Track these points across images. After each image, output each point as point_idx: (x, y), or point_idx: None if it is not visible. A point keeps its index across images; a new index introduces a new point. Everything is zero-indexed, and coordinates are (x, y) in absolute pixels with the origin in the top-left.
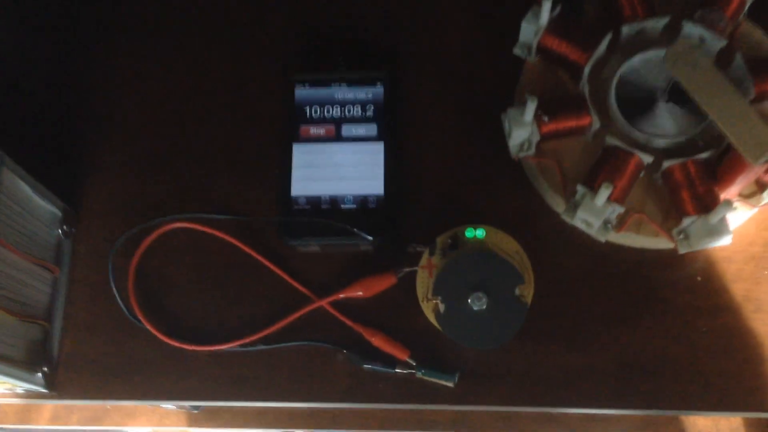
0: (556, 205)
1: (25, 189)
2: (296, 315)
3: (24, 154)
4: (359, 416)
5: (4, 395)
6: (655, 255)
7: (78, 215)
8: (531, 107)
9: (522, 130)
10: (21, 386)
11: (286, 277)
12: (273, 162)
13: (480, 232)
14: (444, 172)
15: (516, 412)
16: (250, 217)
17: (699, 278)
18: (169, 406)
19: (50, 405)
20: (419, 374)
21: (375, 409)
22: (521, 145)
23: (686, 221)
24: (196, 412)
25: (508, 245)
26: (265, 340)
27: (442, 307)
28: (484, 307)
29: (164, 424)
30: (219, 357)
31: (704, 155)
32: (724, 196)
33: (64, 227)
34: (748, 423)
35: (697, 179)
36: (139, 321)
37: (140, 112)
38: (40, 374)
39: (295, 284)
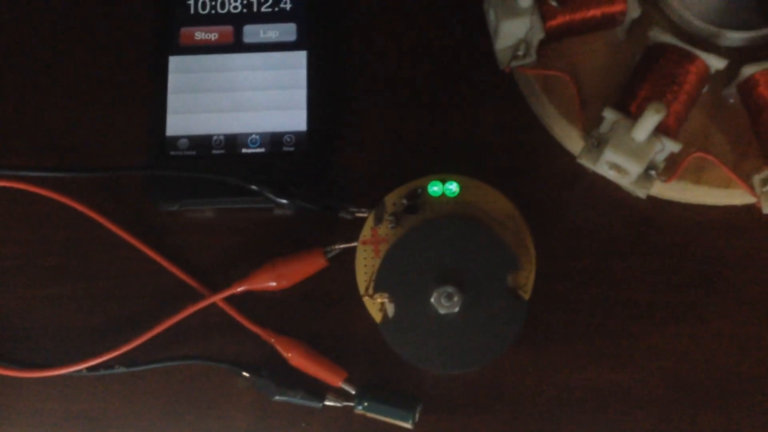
0: (569, 142)
1: None
2: (175, 319)
3: None
4: None
5: None
6: (726, 216)
7: None
8: None
9: (515, 24)
10: None
11: (160, 260)
12: (140, 86)
13: (452, 187)
14: (399, 95)
15: None
16: (106, 171)
17: None
18: None
19: None
20: (359, 409)
21: None
22: (515, 49)
23: None
24: None
25: (496, 206)
26: (127, 360)
27: (390, 309)
28: (457, 309)
29: None
30: (61, 384)
31: None
32: None
33: None
34: None
35: None
36: None
37: None
38: None
39: (175, 271)
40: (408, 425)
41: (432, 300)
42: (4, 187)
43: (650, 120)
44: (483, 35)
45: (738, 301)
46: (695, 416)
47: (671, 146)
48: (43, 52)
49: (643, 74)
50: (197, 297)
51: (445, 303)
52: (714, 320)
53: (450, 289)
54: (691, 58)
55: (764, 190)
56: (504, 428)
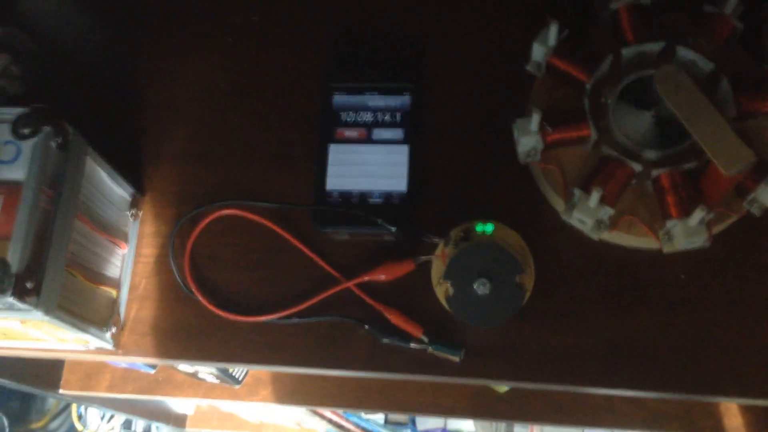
0: (557, 205)
1: (102, 175)
2: (326, 293)
3: (99, 146)
4: (383, 398)
5: (78, 351)
6: (644, 253)
7: (143, 200)
8: (536, 118)
9: (528, 139)
10: (93, 343)
11: (318, 260)
12: (311, 159)
13: (489, 227)
14: (461, 173)
15: (528, 402)
16: (290, 206)
17: (683, 276)
18: (212, 379)
19: (108, 375)
20: (430, 349)
21: (397, 390)
22: (528, 152)
23: (669, 223)
24: (237, 387)
25: (512, 239)
26: (298, 314)
27: (451, 291)
28: (488, 291)
29: (209, 396)
30: (259, 327)
31: (688, 166)
32: (706, 203)
33: (133, 210)
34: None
35: (680, 186)
36: (193, 293)
37: (197, 109)
38: (108, 334)
39: (326, 267)
40: (457, 359)
41: (474, 286)
42: (233, 213)
43: (595, 196)
44: (512, 144)
45: (648, 302)
46: (615, 363)
47: (609, 211)
48: (257, 138)
49: (597, 171)
50: (339, 282)
51: (481, 287)
52: (632, 313)
53: (484, 280)
54: (624, 163)
55: (664, 239)
56: (508, 366)
